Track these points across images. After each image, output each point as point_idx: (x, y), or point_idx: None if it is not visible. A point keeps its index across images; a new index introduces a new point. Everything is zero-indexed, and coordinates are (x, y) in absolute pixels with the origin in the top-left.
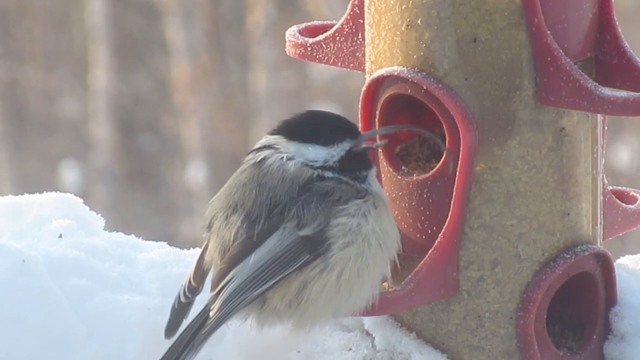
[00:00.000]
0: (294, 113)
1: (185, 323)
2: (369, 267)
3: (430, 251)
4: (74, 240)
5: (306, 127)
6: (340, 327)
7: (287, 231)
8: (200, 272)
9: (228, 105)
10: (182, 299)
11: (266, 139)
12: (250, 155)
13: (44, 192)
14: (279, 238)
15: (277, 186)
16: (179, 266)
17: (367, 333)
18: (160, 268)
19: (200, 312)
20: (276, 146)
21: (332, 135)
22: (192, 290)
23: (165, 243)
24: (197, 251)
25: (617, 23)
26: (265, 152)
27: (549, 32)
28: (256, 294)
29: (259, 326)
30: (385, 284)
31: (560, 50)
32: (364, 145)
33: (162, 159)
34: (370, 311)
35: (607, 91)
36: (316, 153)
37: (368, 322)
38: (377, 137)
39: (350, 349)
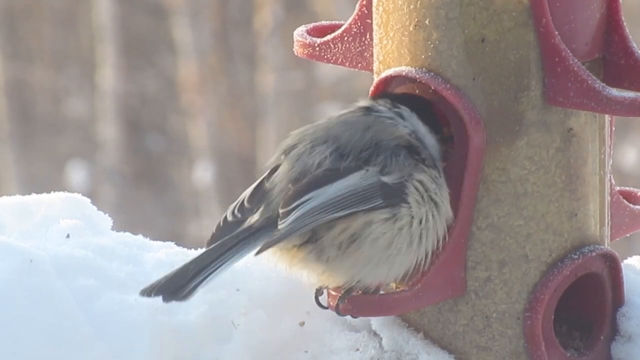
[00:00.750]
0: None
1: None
2: (424, 236)
3: (434, 255)
4: (82, 240)
5: (429, 110)
6: (348, 327)
7: (370, 173)
8: (257, 195)
9: (235, 105)
10: (230, 218)
11: (390, 103)
12: (364, 102)
13: (52, 192)
14: (361, 176)
15: (377, 134)
16: None
17: (375, 333)
18: (167, 268)
19: (248, 225)
20: (398, 110)
21: (443, 135)
22: (243, 210)
23: (172, 243)
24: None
25: (625, 24)
26: (384, 106)
27: (556, 33)
28: (329, 217)
29: (290, 266)
30: (393, 285)
31: (568, 51)
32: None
33: (169, 159)
34: (379, 311)
35: (614, 92)
36: (429, 139)
37: (375, 322)
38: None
39: (358, 350)
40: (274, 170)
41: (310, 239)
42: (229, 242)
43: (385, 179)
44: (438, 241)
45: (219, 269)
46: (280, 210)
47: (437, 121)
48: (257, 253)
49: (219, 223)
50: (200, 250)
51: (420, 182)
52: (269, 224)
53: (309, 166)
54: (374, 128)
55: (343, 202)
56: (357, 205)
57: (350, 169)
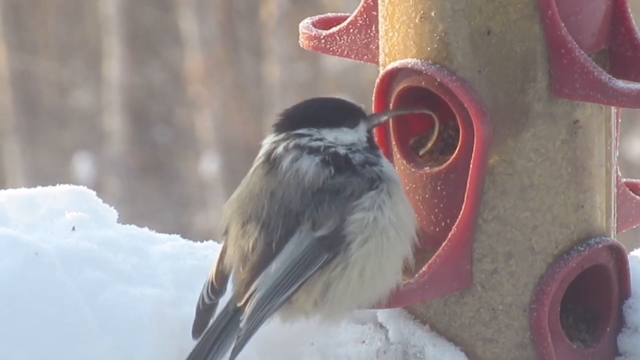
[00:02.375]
0: (293, 105)
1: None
2: (389, 258)
3: (443, 244)
4: (87, 233)
5: (328, 113)
6: (354, 319)
7: (304, 234)
8: (221, 275)
9: (241, 97)
10: (206, 300)
11: (290, 133)
12: (265, 153)
13: (57, 184)
14: (296, 242)
15: (290, 194)
16: (192, 259)
17: (381, 326)
18: (173, 260)
19: (221, 315)
20: (307, 136)
21: (354, 118)
22: (215, 292)
23: (178, 235)
24: (212, 246)
25: (632, 15)
26: (282, 147)
27: (562, 24)
28: (282, 300)
29: (283, 322)
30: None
31: (574, 43)
32: (375, 122)
33: (175, 150)
34: (384, 304)
35: (621, 83)
36: (347, 136)
37: (381, 314)
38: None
39: (364, 342)
40: (224, 241)
41: (287, 304)
42: (208, 340)
43: (320, 232)
44: (412, 241)
45: None
46: (238, 305)
47: (342, 113)
48: (233, 357)
49: (198, 306)
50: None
51: (356, 220)
52: (233, 319)
53: (247, 250)
54: (278, 191)
55: (290, 277)
56: (306, 271)
57: (283, 239)
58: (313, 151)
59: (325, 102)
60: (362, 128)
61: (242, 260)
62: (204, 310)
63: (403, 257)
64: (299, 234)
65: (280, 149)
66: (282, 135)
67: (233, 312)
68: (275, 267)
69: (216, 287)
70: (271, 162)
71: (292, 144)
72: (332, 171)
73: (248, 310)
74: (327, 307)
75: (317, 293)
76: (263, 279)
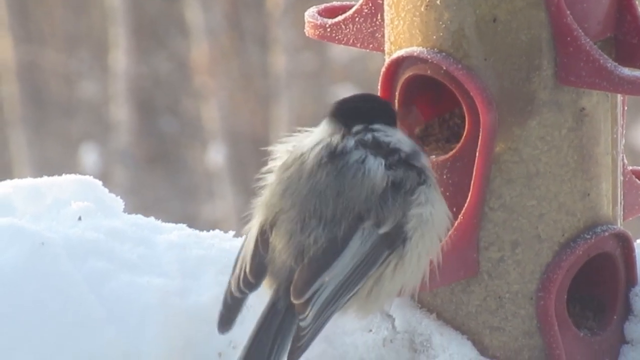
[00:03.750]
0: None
1: (240, 318)
2: (431, 254)
3: (450, 232)
4: (93, 223)
5: (386, 110)
6: None
7: (367, 231)
8: (258, 268)
9: (248, 87)
10: (236, 294)
11: (362, 127)
12: (329, 141)
13: (64, 174)
14: (361, 239)
15: (356, 194)
16: (198, 248)
17: (388, 315)
18: (179, 250)
19: (269, 313)
20: (381, 133)
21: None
22: (249, 285)
23: (184, 225)
24: (219, 235)
25: (637, 3)
26: (350, 144)
27: (568, 12)
28: (348, 298)
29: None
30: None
31: (580, 30)
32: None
33: (182, 141)
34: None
35: (627, 71)
36: (400, 133)
37: None
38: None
39: (371, 331)
40: (265, 239)
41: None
42: (264, 338)
43: (383, 229)
44: (440, 245)
45: None
46: (295, 302)
47: (392, 111)
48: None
49: (226, 299)
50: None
51: (415, 215)
52: (286, 317)
53: (306, 246)
54: (346, 191)
55: (356, 275)
56: (370, 269)
57: (347, 236)
58: (382, 149)
59: (376, 98)
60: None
61: (299, 255)
62: (233, 303)
63: (438, 250)
64: (362, 232)
65: (350, 144)
66: (356, 128)
67: (285, 310)
68: (342, 264)
69: (250, 281)
70: (339, 159)
71: (368, 136)
72: (395, 169)
73: (313, 308)
74: (371, 302)
75: (367, 289)
76: (329, 276)
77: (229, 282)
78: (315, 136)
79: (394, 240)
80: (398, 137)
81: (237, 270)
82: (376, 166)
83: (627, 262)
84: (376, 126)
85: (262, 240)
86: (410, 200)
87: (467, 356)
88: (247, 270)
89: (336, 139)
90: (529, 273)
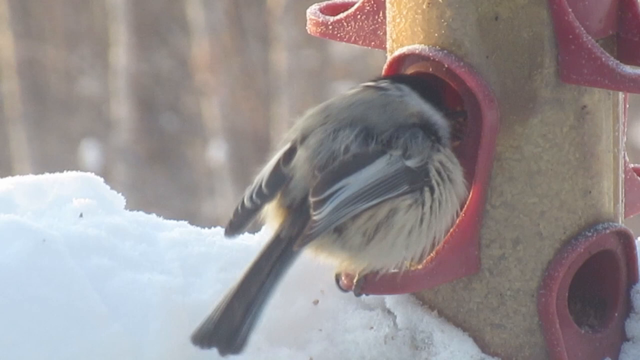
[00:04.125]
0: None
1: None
2: (446, 215)
3: (451, 229)
4: (95, 220)
5: (429, 87)
6: (362, 305)
7: (394, 158)
8: (275, 180)
9: (249, 84)
10: (248, 204)
11: (391, 82)
12: (370, 83)
13: (65, 171)
14: (387, 162)
15: (394, 113)
16: (200, 245)
17: (389, 312)
18: (181, 247)
19: (274, 241)
20: (400, 87)
21: (448, 112)
22: (262, 196)
23: (186, 222)
24: (220, 232)
25: (639, 1)
26: (389, 85)
27: (570, 10)
28: (363, 207)
29: (316, 254)
30: (407, 263)
31: (582, 28)
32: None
33: (183, 138)
34: (393, 289)
35: (628, 69)
36: (435, 117)
37: (389, 300)
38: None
39: (372, 328)
40: (290, 152)
41: (336, 227)
42: (264, 264)
43: (409, 163)
44: (452, 220)
45: (263, 305)
46: (312, 199)
47: (440, 98)
48: (298, 248)
49: (237, 209)
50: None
51: (440, 162)
52: (289, 246)
53: (336, 151)
54: (390, 107)
55: (375, 190)
56: (387, 193)
57: (376, 153)
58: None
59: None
60: (447, 125)
61: (324, 162)
62: (243, 213)
63: (448, 224)
64: (389, 157)
65: (384, 84)
66: (382, 81)
67: (288, 240)
68: (367, 173)
69: (264, 192)
70: (380, 89)
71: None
72: (432, 116)
73: (331, 204)
74: (371, 246)
75: (379, 218)
76: (352, 180)
77: (243, 195)
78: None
79: (416, 179)
80: (421, 106)
81: (254, 183)
82: (414, 101)
83: (628, 260)
84: (403, 86)
85: (288, 153)
86: (439, 147)
87: (468, 353)
88: (264, 182)
89: (374, 83)
90: (530, 270)
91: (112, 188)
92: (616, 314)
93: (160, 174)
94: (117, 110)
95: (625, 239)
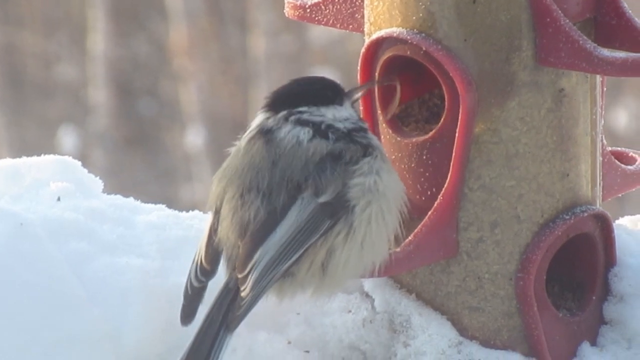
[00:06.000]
0: (282, 86)
1: (201, 308)
2: (387, 224)
3: (429, 212)
4: (72, 203)
5: (320, 91)
6: (340, 289)
7: (306, 200)
8: (212, 254)
9: (227, 70)
10: (195, 283)
11: (291, 110)
12: (259, 125)
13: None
14: (299, 209)
15: (291, 163)
16: (178, 228)
17: (367, 295)
18: (159, 230)
19: (222, 293)
20: (305, 114)
21: (340, 95)
22: (206, 273)
23: (164, 206)
24: (198, 216)
25: None
26: (280, 122)
27: None
28: (286, 267)
29: (279, 299)
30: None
31: (559, 11)
32: (355, 98)
33: (161, 123)
34: (376, 273)
35: (606, 52)
36: (342, 112)
37: (367, 284)
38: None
39: (350, 311)
40: (215, 223)
41: (287, 276)
42: (214, 322)
43: (322, 199)
44: (402, 215)
45: None
46: (239, 276)
47: (331, 92)
48: (232, 329)
49: (186, 291)
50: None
51: (357, 184)
52: (227, 294)
53: (247, 220)
54: (280, 161)
55: (294, 244)
56: (309, 238)
57: (286, 207)
58: (314, 125)
59: (313, 81)
60: (347, 104)
61: (241, 230)
62: (193, 294)
63: (397, 223)
64: (301, 201)
65: (279, 123)
66: (282, 114)
67: (236, 289)
68: (280, 233)
69: (206, 268)
70: (270, 134)
71: (292, 118)
72: (333, 140)
73: (252, 277)
74: (328, 277)
75: (319, 261)
76: (267, 247)
77: (189, 274)
78: (250, 128)
79: (337, 210)
80: (331, 116)
81: (194, 261)
82: (310, 134)
83: (606, 243)
84: (302, 109)
85: (214, 227)
86: (352, 170)
87: (446, 336)
88: (203, 258)
89: (267, 121)
90: (508, 253)
91: (89, 172)
92: (594, 297)
93: (138, 160)
94: (95, 95)
95: (603, 222)
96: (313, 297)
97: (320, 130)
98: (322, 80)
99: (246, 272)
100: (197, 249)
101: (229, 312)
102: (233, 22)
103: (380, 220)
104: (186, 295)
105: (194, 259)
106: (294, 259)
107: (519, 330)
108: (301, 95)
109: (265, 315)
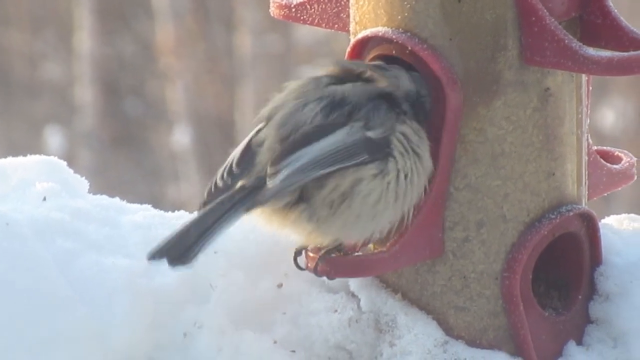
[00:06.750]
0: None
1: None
2: (413, 186)
3: (415, 212)
4: (58, 203)
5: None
6: (326, 288)
7: (355, 129)
8: (245, 157)
9: (213, 69)
10: (220, 183)
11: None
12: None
13: (28, 155)
14: (347, 132)
15: (354, 90)
16: (164, 228)
17: (353, 295)
18: (145, 230)
19: (241, 186)
20: (387, 68)
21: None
22: (233, 175)
23: (150, 206)
24: (184, 216)
25: None
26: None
27: None
28: (316, 175)
29: (283, 223)
30: (371, 246)
31: (545, 10)
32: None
33: (147, 122)
34: (357, 273)
35: (591, 51)
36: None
37: (353, 283)
38: None
39: (336, 311)
40: (260, 129)
41: (302, 199)
42: (225, 203)
43: (370, 133)
44: (420, 194)
45: (217, 232)
46: (269, 169)
47: (423, 82)
48: (248, 210)
49: (210, 188)
50: (178, 214)
51: (404, 134)
52: (259, 184)
53: (299, 123)
54: (345, 86)
55: (330, 159)
56: (344, 161)
57: (336, 125)
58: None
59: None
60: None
61: (293, 130)
62: (216, 192)
63: (418, 195)
64: (350, 128)
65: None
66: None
67: (252, 189)
68: (321, 145)
69: (234, 171)
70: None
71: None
72: (397, 88)
73: (283, 172)
74: (337, 216)
75: (342, 189)
76: (305, 151)
77: (215, 174)
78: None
79: (377, 149)
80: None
81: (226, 162)
82: (387, 80)
83: (592, 242)
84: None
85: (258, 130)
86: (403, 120)
87: (432, 336)
88: (235, 160)
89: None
90: (494, 253)
91: (75, 172)
92: (580, 297)
93: (124, 159)
94: (81, 95)
95: (588, 221)
96: (310, 238)
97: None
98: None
99: (279, 166)
100: (232, 153)
101: (245, 198)
102: (219, 22)
103: (408, 178)
104: (209, 193)
105: (226, 162)
106: (325, 171)
107: (505, 329)
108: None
109: (251, 314)
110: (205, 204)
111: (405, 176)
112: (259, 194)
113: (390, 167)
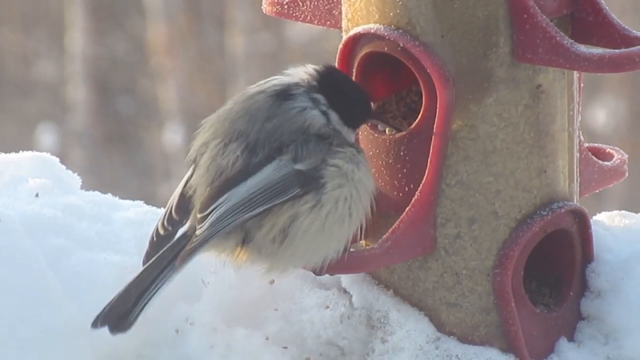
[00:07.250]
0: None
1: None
2: (352, 214)
3: (407, 209)
4: (51, 200)
5: (353, 104)
6: (318, 285)
7: (283, 163)
8: (183, 205)
9: (205, 68)
10: (161, 231)
11: (309, 90)
12: (283, 80)
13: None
14: (275, 168)
15: (283, 125)
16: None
17: (345, 291)
18: (137, 227)
19: (179, 238)
20: (315, 97)
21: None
22: (173, 222)
23: (142, 202)
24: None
25: None
26: (303, 89)
27: None
28: (246, 217)
29: (237, 263)
30: (363, 242)
31: (537, 7)
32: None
33: (139, 121)
34: (349, 269)
35: (583, 48)
36: (343, 128)
37: (345, 280)
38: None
39: (328, 307)
40: (192, 175)
41: (246, 240)
42: (166, 256)
43: (299, 166)
44: (366, 213)
45: (155, 293)
46: (198, 216)
47: (360, 111)
48: (183, 262)
49: (152, 238)
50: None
51: (335, 165)
52: (186, 236)
53: (223, 168)
54: (276, 118)
55: (260, 197)
56: (275, 198)
57: (261, 163)
58: (324, 112)
59: (358, 90)
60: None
61: (214, 177)
62: (158, 242)
63: (357, 225)
64: (278, 162)
65: (302, 95)
66: (314, 95)
67: (192, 232)
68: (249, 185)
69: (174, 217)
70: (283, 96)
71: (315, 96)
72: (331, 128)
73: (211, 218)
74: (282, 249)
75: (281, 225)
76: (233, 193)
77: (157, 222)
78: (275, 81)
79: (309, 181)
80: (341, 124)
81: (165, 209)
82: (311, 110)
83: (583, 239)
84: (326, 101)
85: (190, 176)
86: (335, 151)
87: (424, 332)
88: (173, 207)
89: (296, 89)
90: (485, 249)
91: (68, 169)
92: (571, 293)
93: (116, 157)
94: (73, 93)
95: (580, 217)
96: (268, 272)
97: (327, 115)
98: (363, 97)
99: (207, 212)
100: (170, 200)
101: (180, 251)
102: (211, 20)
103: (346, 206)
104: (151, 243)
105: (165, 210)
106: (256, 212)
107: (496, 326)
108: (340, 92)
109: (243, 311)
110: (148, 255)
111: (345, 201)
112: (188, 243)
113: (325, 197)
